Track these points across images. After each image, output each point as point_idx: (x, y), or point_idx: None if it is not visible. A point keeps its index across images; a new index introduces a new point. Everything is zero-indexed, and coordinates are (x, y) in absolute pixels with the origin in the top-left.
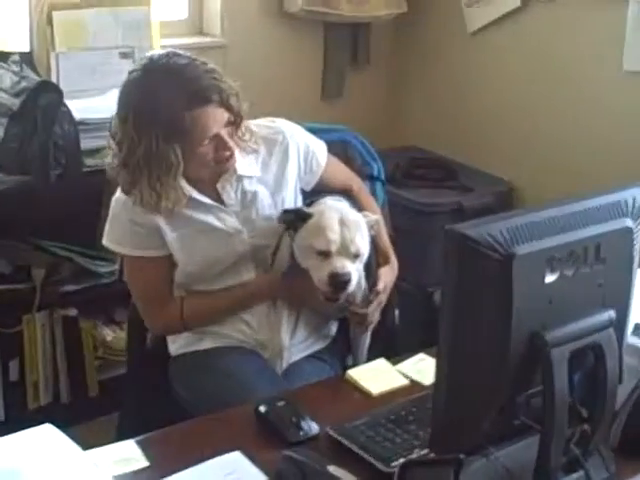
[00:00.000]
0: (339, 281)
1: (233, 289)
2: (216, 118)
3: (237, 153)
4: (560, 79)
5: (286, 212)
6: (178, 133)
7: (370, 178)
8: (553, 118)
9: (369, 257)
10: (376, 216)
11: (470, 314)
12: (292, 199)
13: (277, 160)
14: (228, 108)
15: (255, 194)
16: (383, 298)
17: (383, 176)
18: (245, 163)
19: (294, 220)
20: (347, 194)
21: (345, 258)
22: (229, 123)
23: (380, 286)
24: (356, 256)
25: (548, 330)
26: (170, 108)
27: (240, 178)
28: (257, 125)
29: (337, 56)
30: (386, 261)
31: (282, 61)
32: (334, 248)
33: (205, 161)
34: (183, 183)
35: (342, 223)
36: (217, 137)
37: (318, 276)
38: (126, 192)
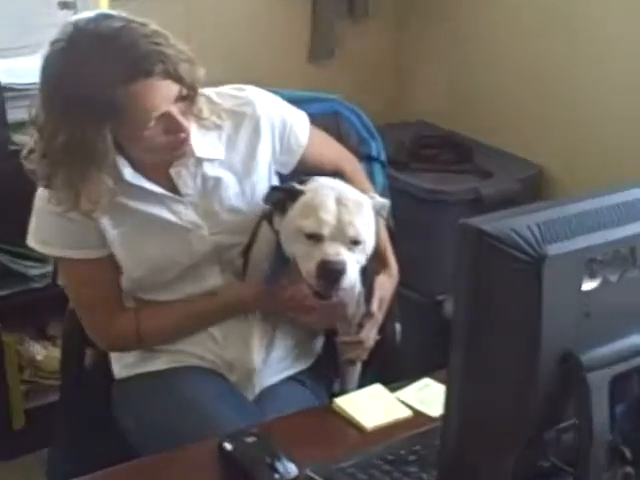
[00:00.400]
0: (331, 271)
1: (201, 299)
2: (162, 93)
3: (195, 130)
4: (590, 38)
5: (274, 189)
6: (111, 115)
7: (367, 159)
8: (590, 84)
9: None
10: (384, 200)
11: (489, 329)
12: (265, 186)
13: (246, 138)
14: (177, 79)
15: (218, 180)
16: (379, 317)
17: (383, 157)
18: (205, 143)
19: (283, 199)
20: (339, 178)
21: (340, 244)
22: (181, 98)
23: (374, 306)
24: (355, 243)
25: (584, 350)
26: (100, 84)
27: (199, 161)
28: (220, 94)
29: (328, 6)
30: (383, 266)
31: (255, 12)
32: (327, 231)
33: (153, 147)
34: (127, 169)
35: (339, 202)
36: (166, 116)
37: (306, 266)
38: (45, 187)
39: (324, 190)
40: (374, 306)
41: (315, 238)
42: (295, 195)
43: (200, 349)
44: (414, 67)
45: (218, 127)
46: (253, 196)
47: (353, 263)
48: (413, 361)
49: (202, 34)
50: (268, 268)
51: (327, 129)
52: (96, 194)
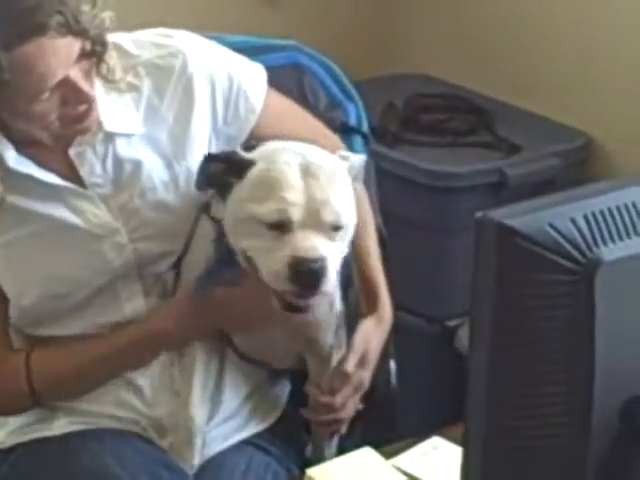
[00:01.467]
0: (307, 271)
1: (110, 334)
2: (59, 55)
3: (102, 94)
4: None
5: (209, 160)
6: None
7: (341, 129)
8: None
9: (345, 283)
10: (361, 156)
11: (519, 365)
12: None
13: (175, 102)
14: (79, 33)
15: (137, 164)
16: (361, 380)
17: (365, 126)
18: (117, 111)
19: (224, 174)
20: None
21: (315, 232)
22: (83, 55)
23: (349, 363)
24: (335, 228)
25: None
26: None
27: (110, 138)
28: (138, 43)
29: None
30: (369, 304)
31: None
32: (295, 215)
33: (45, 123)
34: (9, 152)
35: (306, 172)
36: (64, 84)
37: (270, 267)
38: None
39: (283, 156)
40: (349, 364)
41: (279, 228)
42: (241, 167)
43: (116, 405)
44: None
45: (134, 88)
46: (188, 185)
47: (335, 257)
48: (416, 413)
49: None
50: (207, 275)
51: (284, 88)
52: None
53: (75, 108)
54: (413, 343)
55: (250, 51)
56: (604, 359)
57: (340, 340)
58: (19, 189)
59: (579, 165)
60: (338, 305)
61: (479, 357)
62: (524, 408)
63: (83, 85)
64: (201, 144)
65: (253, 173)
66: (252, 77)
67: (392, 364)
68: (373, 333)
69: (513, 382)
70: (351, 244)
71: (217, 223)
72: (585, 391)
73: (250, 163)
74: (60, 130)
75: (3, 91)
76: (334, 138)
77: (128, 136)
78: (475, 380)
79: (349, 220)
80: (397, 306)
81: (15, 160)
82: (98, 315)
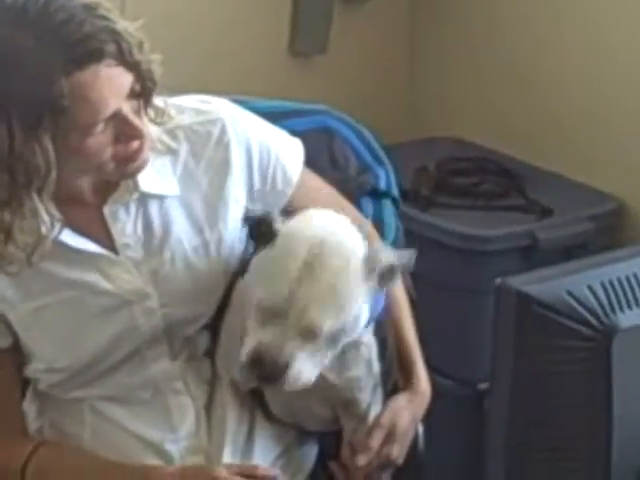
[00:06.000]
0: (264, 365)
1: (117, 467)
2: (112, 83)
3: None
4: None
5: (246, 218)
6: (48, 116)
7: (372, 194)
8: None
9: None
10: (392, 255)
11: (537, 431)
12: (236, 239)
13: (211, 168)
14: (132, 66)
15: (168, 228)
16: (390, 454)
17: (395, 190)
18: (154, 172)
19: (259, 233)
20: None
21: (289, 330)
22: (134, 94)
23: (373, 439)
24: (309, 334)
25: None
26: (32, 76)
27: (144, 198)
28: (177, 107)
29: None
30: (406, 380)
31: None
32: (275, 311)
33: (100, 162)
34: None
35: (309, 264)
36: (116, 117)
37: (244, 345)
38: None
39: (299, 236)
40: (373, 439)
41: (263, 313)
42: (267, 235)
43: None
44: (438, 63)
45: (172, 151)
46: (219, 251)
47: (306, 360)
48: (445, 474)
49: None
50: None
51: (314, 152)
52: (30, 233)
53: (128, 145)
54: (443, 405)
55: (280, 115)
56: (622, 424)
57: (377, 398)
58: (51, 254)
59: (610, 229)
60: (376, 365)
61: (497, 425)
62: (544, 476)
63: (134, 119)
64: (234, 212)
65: (268, 249)
66: (289, 150)
67: (420, 427)
68: (405, 408)
69: (530, 450)
70: (385, 314)
71: None
72: (604, 456)
73: (274, 234)
74: (114, 172)
75: (61, 120)
76: (364, 222)
77: (162, 198)
78: (494, 445)
79: (339, 326)
80: (428, 368)
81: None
82: (124, 376)
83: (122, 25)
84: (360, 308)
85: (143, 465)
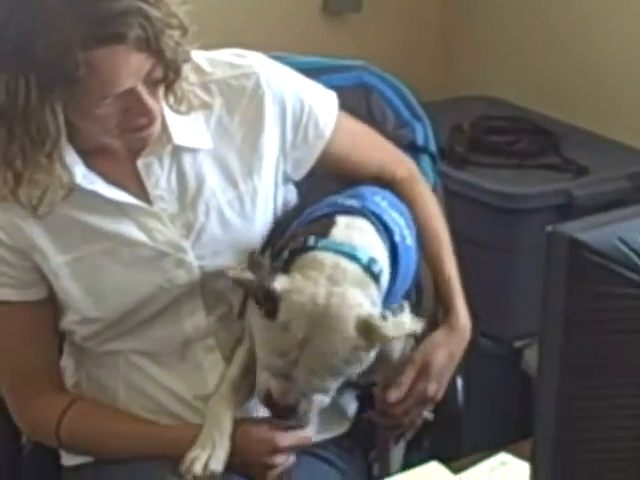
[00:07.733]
0: (277, 406)
1: (151, 426)
2: (130, 65)
3: (167, 111)
4: None
5: (254, 264)
6: (60, 84)
7: (410, 149)
8: None
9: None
10: (418, 325)
11: (589, 378)
12: (270, 193)
13: (244, 122)
14: (155, 54)
15: (202, 181)
16: (425, 390)
17: (433, 147)
18: (187, 125)
19: (263, 300)
20: (382, 187)
21: (296, 386)
22: (152, 79)
23: (405, 376)
24: (321, 392)
25: None
26: (52, 41)
27: (177, 151)
28: (212, 61)
29: None
30: (443, 315)
31: None
32: (276, 371)
33: (105, 127)
34: (78, 167)
35: (307, 340)
36: (129, 94)
37: (258, 379)
38: None
39: (298, 313)
40: (405, 375)
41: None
42: (269, 297)
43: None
44: (473, 21)
45: (206, 105)
46: (253, 204)
47: (316, 397)
48: (484, 429)
49: None
50: None
51: (352, 107)
52: (43, 187)
53: (135, 119)
54: (480, 362)
55: (318, 71)
56: None
57: (409, 347)
58: (86, 205)
59: None
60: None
61: (548, 380)
62: (593, 425)
63: (147, 99)
64: (269, 165)
65: (269, 322)
66: (323, 103)
67: (459, 381)
68: (441, 345)
69: (584, 406)
70: (423, 251)
71: None
72: None
73: (277, 300)
74: (118, 138)
75: (73, 87)
76: (406, 160)
77: (195, 151)
78: (543, 401)
79: (345, 378)
80: None
81: (82, 176)
82: (159, 330)
83: (160, 10)
84: (366, 358)
85: (177, 434)
